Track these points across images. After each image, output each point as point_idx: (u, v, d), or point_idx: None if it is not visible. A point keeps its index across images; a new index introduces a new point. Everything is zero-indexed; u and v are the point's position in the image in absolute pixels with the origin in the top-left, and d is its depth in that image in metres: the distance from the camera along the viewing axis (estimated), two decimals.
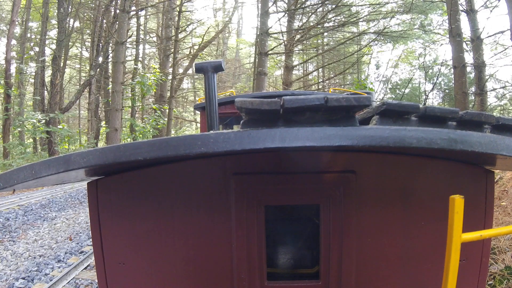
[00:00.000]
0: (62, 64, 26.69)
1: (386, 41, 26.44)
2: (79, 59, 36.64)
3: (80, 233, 9.16)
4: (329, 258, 1.86)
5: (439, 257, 1.84)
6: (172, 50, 28.21)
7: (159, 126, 25.75)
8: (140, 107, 28.74)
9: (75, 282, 6.08)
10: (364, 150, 1.81)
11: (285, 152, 1.69)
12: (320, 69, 33.79)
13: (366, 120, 1.42)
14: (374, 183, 1.86)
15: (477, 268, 1.95)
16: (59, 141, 24.02)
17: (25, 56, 25.67)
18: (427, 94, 25.88)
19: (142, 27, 33.88)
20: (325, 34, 26.81)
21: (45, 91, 26.02)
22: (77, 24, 30.57)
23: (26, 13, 26.74)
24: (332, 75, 31.30)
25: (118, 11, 23.92)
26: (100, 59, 28.03)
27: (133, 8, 24.79)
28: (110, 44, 27.09)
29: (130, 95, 27.50)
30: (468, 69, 16.58)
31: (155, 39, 35.45)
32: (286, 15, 19.95)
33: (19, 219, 10.27)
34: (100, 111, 31.51)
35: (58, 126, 23.79)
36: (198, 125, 11.76)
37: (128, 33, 25.38)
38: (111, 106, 21.38)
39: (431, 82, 27.39)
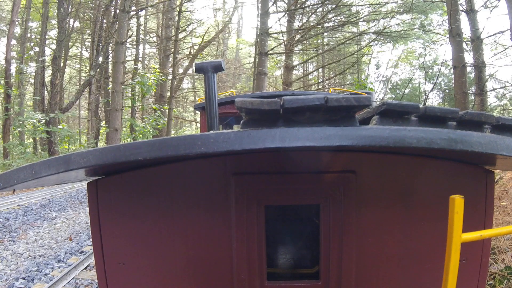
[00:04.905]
0: (62, 64, 26.69)
1: (386, 41, 26.40)
2: (79, 59, 36.63)
3: (80, 233, 9.16)
4: (329, 258, 1.86)
5: (439, 257, 1.84)
6: (172, 50, 28.19)
7: (159, 126, 25.74)
8: (140, 107, 28.74)
9: (75, 282, 6.07)
10: (364, 150, 1.81)
11: (285, 152, 1.69)
12: (320, 69, 33.78)
13: (366, 120, 1.42)
14: (374, 183, 1.86)
15: (477, 268, 1.95)
16: (59, 141, 24.03)
17: (25, 56, 25.66)
18: (427, 94, 25.88)
19: (142, 27, 33.87)
20: (325, 34, 26.81)
21: (45, 91, 26.02)
22: (77, 24, 30.56)
23: (26, 13, 26.73)
24: (332, 75, 31.30)
25: (118, 11, 23.92)
26: (100, 59, 28.02)
27: (133, 8, 24.78)
28: (110, 44, 27.09)
29: (130, 95, 27.50)
30: (468, 69, 16.58)
31: (155, 39, 35.44)
32: (286, 15, 19.95)
33: (19, 219, 10.26)
34: (100, 111, 31.51)
35: (58, 126, 23.79)
36: (198, 125, 11.76)
37: (128, 33, 25.37)
38: (111, 106, 21.38)
39: (431, 82, 27.38)
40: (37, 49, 27.01)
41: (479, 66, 15.19)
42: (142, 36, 34.36)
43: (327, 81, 30.01)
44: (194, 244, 1.89)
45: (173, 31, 28.49)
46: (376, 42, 25.21)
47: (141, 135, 25.11)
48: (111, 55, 27.24)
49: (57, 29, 26.49)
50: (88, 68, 31.71)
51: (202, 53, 30.00)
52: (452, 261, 1.21)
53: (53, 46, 27.64)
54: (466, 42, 15.95)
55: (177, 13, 27.80)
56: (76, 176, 1.73)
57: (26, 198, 13.68)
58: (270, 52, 18.88)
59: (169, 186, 1.88)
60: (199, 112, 6.39)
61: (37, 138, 25.78)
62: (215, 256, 1.90)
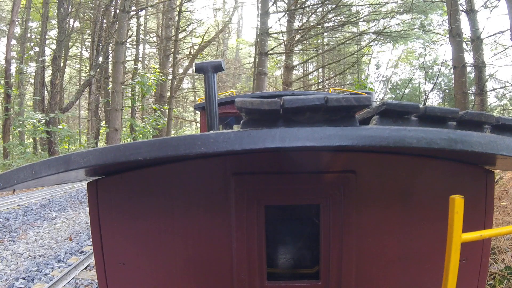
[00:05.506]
0: (62, 64, 26.68)
1: (386, 41, 26.40)
2: (79, 59, 36.62)
3: (80, 233, 9.16)
4: (329, 258, 1.86)
5: (439, 257, 1.84)
6: (172, 50, 28.19)
7: (159, 126, 25.74)
8: (140, 107, 28.73)
9: (75, 282, 6.07)
10: (364, 150, 1.81)
11: (285, 152, 1.69)
12: (320, 69, 33.78)
13: (366, 120, 1.42)
14: (374, 183, 1.86)
15: (477, 268, 1.95)
16: (59, 141, 24.03)
17: (25, 56, 25.65)
18: (427, 94, 25.86)
19: (142, 27, 33.87)
20: (325, 34, 26.81)
21: (45, 91, 26.02)
22: (77, 24, 30.56)
23: (26, 13, 26.73)
24: (332, 75, 31.29)
25: (118, 11, 23.92)
26: (100, 59, 28.02)
27: (133, 8, 24.77)
28: (110, 44, 27.09)
29: (130, 95, 27.50)
30: (468, 69, 16.58)
31: (155, 39, 35.44)
32: (286, 15, 19.95)
33: (19, 219, 10.26)
34: (100, 111, 31.51)
35: (58, 126, 23.80)
36: (198, 125, 11.76)
37: (128, 33, 25.36)
38: (111, 106, 21.38)
39: (431, 82, 27.37)
40: (37, 49, 27.01)
41: (479, 66, 15.19)
42: (142, 36, 34.36)
43: (327, 81, 30.00)
44: (194, 244, 1.89)
45: (173, 31, 28.48)
46: (376, 42, 25.22)
47: (141, 135, 25.12)
48: (111, 55, 27.24)
49: (57, 29, 26.49)
50: (88, 68, 31.71)
51: (202, 53, 30.00)
52: (452, 261, 1.21)
53: (53, 46, 27.64)
54: (466, 42, 15.94)
55: (177, 13, 27.80)
56: (76, 176, 1.73)
57: (26, 198, 13.68)
58: (270, 52, 18.87)
59: (169, 186, 1.88)
60: (199, 112, 6.39)
61: (37, 138, 25.78)
62: (215, 256, 1.90)
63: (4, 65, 23.87)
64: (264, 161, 1.85)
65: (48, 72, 28.14)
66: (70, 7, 26.42)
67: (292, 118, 1.19)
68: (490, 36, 16.73)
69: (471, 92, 16.48)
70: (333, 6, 20.49)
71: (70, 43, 29.42)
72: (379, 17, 23.05)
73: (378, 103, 1.30)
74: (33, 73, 27.08)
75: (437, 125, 1.29)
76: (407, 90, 29.59)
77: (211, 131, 1.18)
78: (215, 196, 1.86)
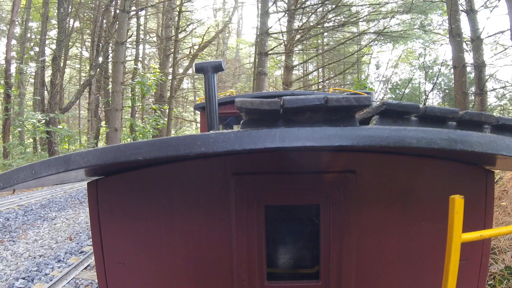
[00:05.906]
0: (62, 64, 26.69)
1: (386, 41, 26.39)
2: (79, 59, 36.62)
3: (80, 233, 9.16)
4: (329, 258, 1.86)
5: (439, 257, 1.84)
6: (172, 50, 28.19)
7: (159, 126, 25.75)
8: (140, 107, 28.73)
9: (75, 282, 6.08)
10: (364, 150, 1.81)
11: (285, 152, 1.69)
12: (320, 69, 33.77)
13: (366, 120, 1.42)
14: (374, 183, 1.86)
15: (477, 268, 1.95)
16: (59, 141, 24.04)
17: (25, 56, 25.66)
18: (427, 94, 25.86)
19: (142, 27, 33.87)
20: (325, 34, 26.81)
21: (45, 91, 26.02)
22: (77, 24, 30.56)
23: (26, 13, 26.73)
24: (332, 75, 31.29)
25: (118, 11, 23.92)
26: (100, 59, 28.02)
27: (133, 8, 24.77)
28: (110, 44, 27.09)
29: (130, 95, 27.51)
30: (468, 69, 16.58)
31: (155, 39, 35.45)
32: (286, 15, 19.96)
33: (19, 219, 10.26)
34: (100, 111, 31.51)
35: (58, 126, 23.80)
36: (198, 125, 11.76)
37: (128, 33, 25.36)
38: (111, 106, 21.38)
39: (431, 82, 27.37)
40: (37, 49, 27.01)
41: (479, 66, 15.19)
42: (142, 36, 34.36)
43: (327, 81, 30.01)
44: (194, 244, 1.89)
45: (173, 31, 28.48)
46: (376, 42, 25.21)
47: (141, 135, 25.12)
48: (111, 55, 27.24)
49: (57, 29, 26.49)
50: (88, 68, 31.70)
51: (202, 53, 30.00)
52: (452, 261, 1.21)
53: (53, 46, 27.64)
54: (466, 42, 15.95)
55: (177, 13, 27.80)
56: (76, 176, 1.73)
57: (26, 198, 13.68)
58: (270, 52, 18.87)
59: (169, 186, 1.87)
60: (199, 112, 6.40)
61: (37, 138, 25.79)
62: (215, 256, 1.90)
63: (4, 65, 23.87)
64: (264, 161, 1.85)
65: (48, 72, 28.15)
66: (70, 7, 26.42)
67: (292, 118, 1.18)
68: (490, 36, 16.76)
69: (471, 92, 16.49)
70: (333, 6, 20.50)
71: (70, 43, 29.43)
72: (379, 17, 23.05)
73: (378, 103, 1.30)
74: (33, 73, 27.08)
75: (437, 125, 1.29)
76: (407, 90, 29.58)
77: (211, 131, 1.18)
78: (215, 196, 1.86)
